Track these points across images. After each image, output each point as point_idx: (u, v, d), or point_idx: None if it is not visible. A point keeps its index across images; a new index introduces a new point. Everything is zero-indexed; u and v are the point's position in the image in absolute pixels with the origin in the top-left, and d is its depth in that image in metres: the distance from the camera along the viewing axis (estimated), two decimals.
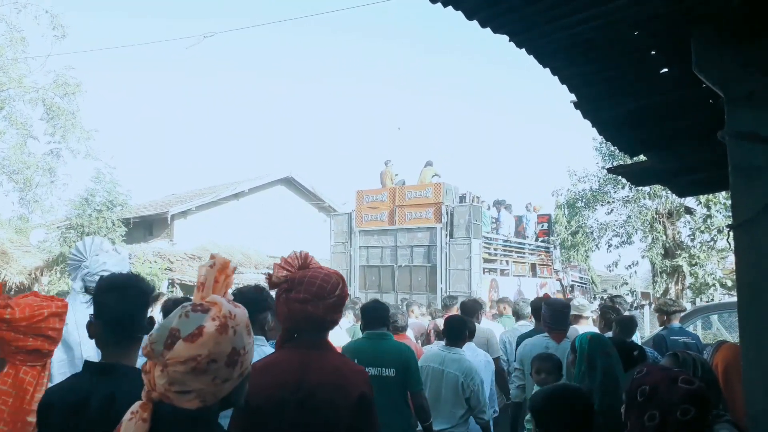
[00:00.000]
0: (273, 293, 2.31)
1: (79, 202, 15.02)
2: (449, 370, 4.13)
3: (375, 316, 3.95)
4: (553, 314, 4.42)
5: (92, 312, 1.86)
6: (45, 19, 13.58)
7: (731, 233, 2.16)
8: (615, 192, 19.85)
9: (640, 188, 17.80)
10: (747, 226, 2.08)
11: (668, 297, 15.96)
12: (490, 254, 12.50)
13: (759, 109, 2.10)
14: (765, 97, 2.11)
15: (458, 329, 4.31)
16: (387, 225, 12.62)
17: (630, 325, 5.46)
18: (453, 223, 11.82)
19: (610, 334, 5.30)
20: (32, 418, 1.92)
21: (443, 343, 4.40)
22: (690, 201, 17.72)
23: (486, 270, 12.24)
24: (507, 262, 13.30)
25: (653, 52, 2.70)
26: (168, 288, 16.16)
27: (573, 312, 6.15)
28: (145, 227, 20.98)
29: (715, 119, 2.91)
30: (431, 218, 12.04)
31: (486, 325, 6.16)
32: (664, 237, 18.89)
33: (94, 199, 15.03)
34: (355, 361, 3.30)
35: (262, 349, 2.73)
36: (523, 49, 2.66)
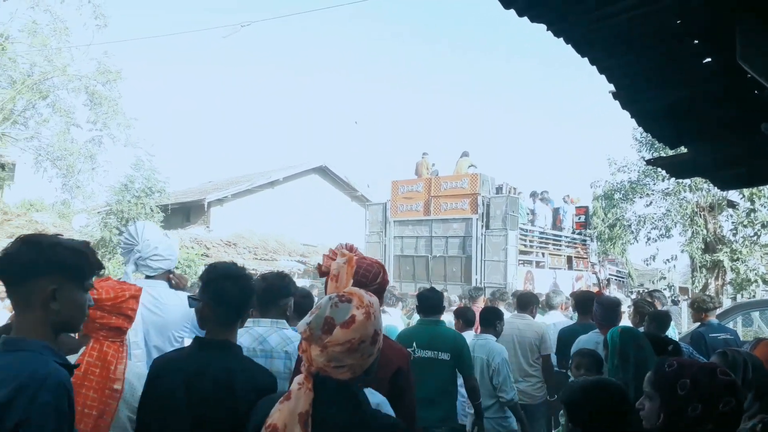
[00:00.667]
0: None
1: (119, 188, 15.41)
2: (477, 355, 4.41)
3: (429, 304, 4.21)
4: (604, 311, 4.50)
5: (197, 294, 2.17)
6: (87, 9, 13.92)
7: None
8: (654, 184, 19.40)
9: (680, 180, 17.39)
10: None
11: (706, 293, 15.61)
12: (525, 246, 12.35)
13: None
14: None
15: (490, 318, 4.64)
16: (422, 215, 12.55)
17: (664, 319, 5.35)
18: (489, 214, 11.71)
19: (641, 329, 5.23)
20: (118, 386, 2.20)
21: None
22: (733, 194, 17.23)
23: (521, 262, 12.09)
24: (543, 254, 13.13)
25: (696, 42, 2.63)
26: None
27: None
28: (182, 214, 21.42)
29: (759, 111, 2.83)
30: (467, 209, 11.94)
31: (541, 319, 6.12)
32: (704, 231, 18.42)
33: (133, 185, 15.40)
34: (413, 344, 3.98)
35: (283, 332, 2.89)
36: (561, 39, 2.62)
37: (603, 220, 22.15)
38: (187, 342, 2.78)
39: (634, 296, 13.08)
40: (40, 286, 1.53)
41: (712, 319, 5.71)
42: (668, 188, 18.83)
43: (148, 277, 3.32)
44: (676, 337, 5.96)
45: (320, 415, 1.51)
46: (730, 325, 9.41)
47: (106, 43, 21.04)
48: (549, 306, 6.35)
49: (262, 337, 2.76)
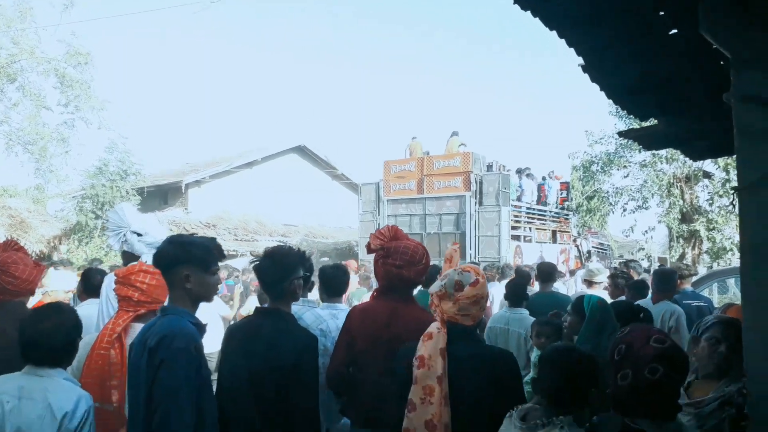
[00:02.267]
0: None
1: (93, 172, 15.18)
2: (513, 329, 4.65)
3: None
4: (660, 281, 5.11)
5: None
6: None
7: (736, 196, 2.13)
8: (631, 156, 19.55)
9: (657, 152, 17.55)
10: (752, 189, 2.05)
11: (683, 262, 15.88)
12: (514, 221, 12.70)
13: (765, 71, 2.05)
14: None
15: (518, 292, 4.90)
16: (415, 194, 12.88)
17: (642, 288, 5.48)
18: (482, 191, 12.12)
19: (623, 298, 5.33)
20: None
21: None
22: (708, 165, 17.45)
23: (511, 237, 12.47)
24: (530, 228, 13.52)
25: (661, 13, 2.63)
26: None
27: (585, 277, 6.20)
28: (160, 196, 21.20)
29: (727, 82, 2.84)
30: (460, 186, 12.31)
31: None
32: (681, 201, 18.66)
33: (107, 168, 15.19)
34: None
35: (315, 311, 3.31)
36: (528, 12, 2.60)
37: (581, 192, 22.34)
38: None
39: (615, 267, 13.35)
40: (178, 272, 2.19)
41: (687, 287, 5.86)
42: (645, 160, 19.00)
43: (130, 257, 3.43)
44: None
45: (452, 349, 2.22)
46: (706, 292, 9.62)
47: (74, 23, 20.61)
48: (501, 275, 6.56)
49: (297, 315, 2.90)
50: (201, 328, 2.18)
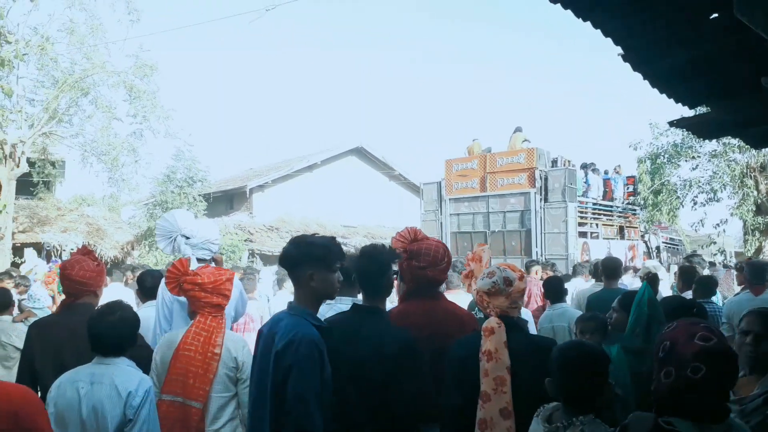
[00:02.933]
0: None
1: (162, 179, 15.87)
2: (558, 324, 4.71)
3: None
4: (752, 271, 5.04)
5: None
6: (121, 5, 14.21)
7: None
8: (701, 146, 18.71)
9: (728, 141, 16.73)
10: None
11: (758, 256, 15.07)
12: (581, 218, 12.40)
13: None
14: None
15: (555, 288, 4.97)
16: (478, 192, 12.69)
17: (708, 285, 5.25)
18: (548, 188, 11.83)
19: (690, 293, 5.15)
20: (217, 350, 2.81)
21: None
22: None
23: (578, 233, 12.16)
24: (596, 225, 13.18)
25: None
26: (249, 258, 16.89)
27: (640, 275, 6.02)
28: (226, 201, 21.92)
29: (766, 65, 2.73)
30: (524, 183, 12.05)
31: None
32: (755, 192, 17.72)
33: (175, 176, 15.84)
34: (476, 309, 4.37)
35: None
36: (558, 5, 2.58)
37: (648, 186, 21.54)
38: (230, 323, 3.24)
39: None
40: (303, 272, 2.30)
41: None
42: (715, 150, 18.16)
43: (199, 260, 3.58)
44: (720, 302, 5.81)
45: (509, 339, 2.39)
46: None
47: (140, 37, 21.48)
48: (575, 273, 6.37)
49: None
50: (323, 330, 2.28)
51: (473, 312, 4.54)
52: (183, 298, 3.10)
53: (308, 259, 2.30)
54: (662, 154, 20.02)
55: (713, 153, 18.40)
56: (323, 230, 20.49)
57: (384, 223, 22.26)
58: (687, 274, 5.67)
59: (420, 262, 2.84)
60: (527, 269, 7.48)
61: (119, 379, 2.41)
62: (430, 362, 2.61)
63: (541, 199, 11.80)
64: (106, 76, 14.53)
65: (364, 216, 21.65)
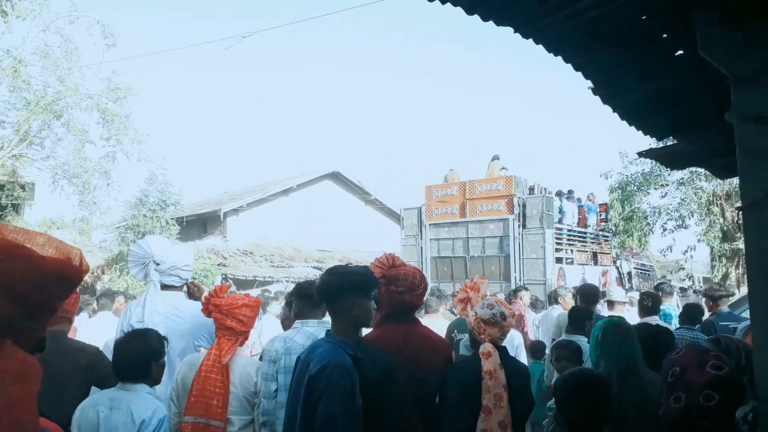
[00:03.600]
0: None
1: (134, 203, 15.67)
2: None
3: None
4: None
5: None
6: (97, 30, 14.17)
7: (740, 215, 2.13)
8: (669, 174, 19.17)
9: (695, 170, 17.17)
10: (754, 208, 2.05)
11: (726, 283, 15.40)
12: (557, 244, 12.72)
13: (763, 90, 2.06)
14: None
15: (579, 319, 4.81)
16: (458, 217, 12.99)
17: (693, 312, 5.34)
18: (526, 214, 12.18)
19: (656, 319, 5.24)
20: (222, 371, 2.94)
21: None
22: None
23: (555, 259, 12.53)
24: (571, 251, 13.51)
25: (665, 36, 2.67)
26: (222, 282, 16.69)
27: (606, 299, 6.14)
28: (199, 225, 21.70)
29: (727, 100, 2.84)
30: (503, 210, 12.37)
31: None
32: (721, 219, 18.18)
33: (147, 199, 15.66)
34: (455, 331, 5.14)
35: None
36: (531, 40, 2.67)
37: (619, 213, 21.94)
38: (204, 350, 3.24)
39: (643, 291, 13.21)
40: (345, 301, 2.35)
41: (723, 308, 5.72)
42: (683, 178, 18.62)
43: (164, 287, 3.52)
44: (674, 325, 5.93)
45: (502, 362, 2.83)
46: (747, 314, 9.31)
47: (115, 61, 21.45)
48: (555, 300, 6.42)
49: (314, 335, 3.03)
50: (357, 360, 2.30)
51: (452, 334, 5.12)
52: (137, 326, 3.14)
53: (349, 288, 2.37)
54: (632, 182, 20.45)
55: (681, 181, 18.87)
56: (299, 254, 20.42)
57: (360, 248, 22.23)
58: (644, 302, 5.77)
59: (398, 287, 2.93)
60: (515, 294, 7.67)
61: (135, 406, 2.50)
62: (408, 385, 2.68)
63: (519, 225, 12.14)
64: (80, 99, 14.41)
65: (340, 240, 21.62)
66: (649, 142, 18.86)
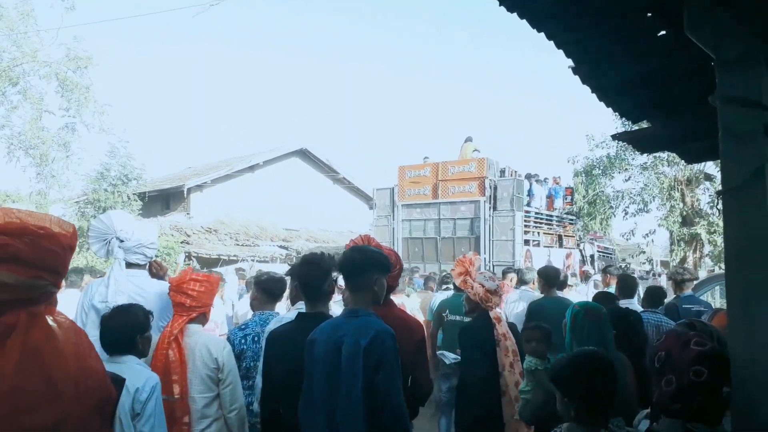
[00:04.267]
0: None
1: (95, 177, 15.17)
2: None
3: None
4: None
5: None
6: None
7: (720, 198, 2.11)
8: (633, 159, 19.53)
9: (658, 155, 17.50)
10: (735, 192, 2.04)
11: (683, 266, 15.81)
12: (525, 226, 12.96)
13: (749, 72, 2.04)
14: (756, 60, 2.05)
15: (656, 297, 5.24)
16: (430, 199, 13.11)
17: (656, 294, 5.42)
18: (497, 196, 12.38)
19: (633, 302, 5.35)
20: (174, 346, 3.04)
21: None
22: (710, 167, 17.38)
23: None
24: (538, 233, 13.77)
25: (648, 15, 2.62)
26: (185, 261, 16.39)
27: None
28: (162, 201, 21.23)
29: (715, 84, 2.83)
30: (475, 192, 12.53)
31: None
32: (681, 204, 18.63)
33: (109, 173, 15.17)
34: (447, 311, 5.40)
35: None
36: (515, 14, 2.59)
37: (583, 196, 22.33)
38: None
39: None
40: (369, 277, 2.47)
41: (687, 291, 5.84)
42: (646, 163, 18.99)
43: (129, 265, 3.38)
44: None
45: None
46: (707, 296, 9.58)
47: (75, 26, 20.67)
48: (522, 282, 6.47)
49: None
50: None
51: (444, 313, 5.43)
52: (99, 306, 3.15)
53: (374, 265, 2.50)
54: (597, 166, 20.77)
55: (644, 165, 19.23)
56: (264, 233, 20.18)
57: (327, 227, 22.08)
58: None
59: None
60: (503, 276, 7.81)
61: (128, 375, 2.46)
62: None
63: (490, 207, 12.35)
64: (37, 66, 13.81)
65: (307, 219, 21.44)
66: (616, 126, 19.27)
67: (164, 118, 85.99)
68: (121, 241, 3.36)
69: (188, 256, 16.73)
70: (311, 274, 2.79)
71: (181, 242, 16.95)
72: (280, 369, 2.72)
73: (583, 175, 21.97)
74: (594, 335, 2.89)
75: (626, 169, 19.87)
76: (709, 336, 2.47)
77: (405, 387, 2.82)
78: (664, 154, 16.93)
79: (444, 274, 8.26)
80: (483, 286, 3.71)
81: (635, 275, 11.22)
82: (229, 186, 21.14)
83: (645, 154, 17.95)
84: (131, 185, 15.71)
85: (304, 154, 23.53)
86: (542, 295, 5.65)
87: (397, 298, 5.57)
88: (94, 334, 2.88)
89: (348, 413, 2.30)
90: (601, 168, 20.83)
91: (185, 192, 20.18)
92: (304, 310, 2.97)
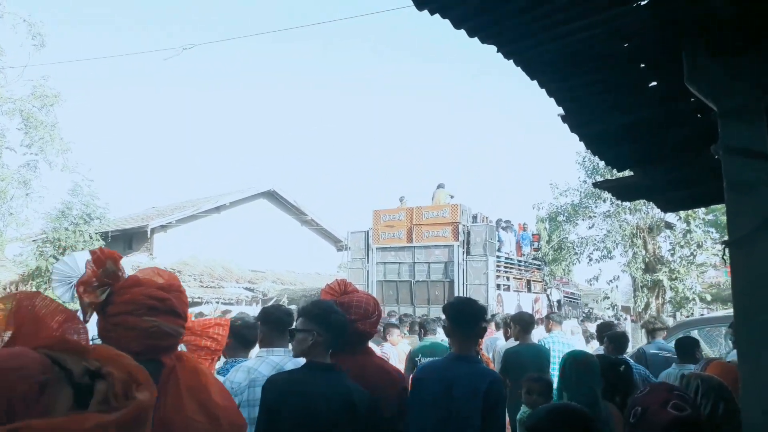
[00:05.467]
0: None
1: (56, 215, 14.70)
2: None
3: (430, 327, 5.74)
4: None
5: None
6: (23, 28, 13.36)
7: (726, 250, 2.10)
8: (596, 207, 19.92)
9: (621, 203, 17.91)
10: (742, 242, 2.03)
11: (650, 314, 16.06)
12: (496, 271, 13.18)
13: (751, 123, 2.06)
14: (757, 111, 2.08)
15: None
16: (405, 242, 13.32)
17: (620, 339, 5.42)
18: (470, 242, 12.64)
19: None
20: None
21: None
22: (670, 216, 17.84)
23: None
24: (508, 278, 14.07)
25: (642, 65, 2.67)
26: None
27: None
28: (124, 241, 20.66)
29: (702, 134, 2.88)
30: (449, 236, 12.82)
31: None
32: (644, 251, 18.98)
33: (70, 212, 14.73)
34: (419, 355, 5.19)
35: (296, 360, 3.05)
36: (511, 61, 2.60)
37: (548, 242, 22.64)
38: None
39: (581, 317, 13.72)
40: (480, 325, 2.86)
41: (659, 339, 5.94)
42: (609, 210, 19.38)
43: None
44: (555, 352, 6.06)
45: None
46: (673, 343, 9.72)
47: (44, 65, 20.33)
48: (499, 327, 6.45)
49: (279, 365, 2.89)
50: None
51: (417, 358, 5.20)
52: None
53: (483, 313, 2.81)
54: (562, 213, 21.13)
55: (607, 213, 19.62)
56: (230, 275, 19.75)
57: (294, 269, 21.78)
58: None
59: (350, 315, 2.78)
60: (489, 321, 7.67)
61: None
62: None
63: (463, 252, 12.61)
64: (1, 102, 13.47)
65: (274, 261, 21.12)
66: (579, 176, 19.74)
67: (131, 158, 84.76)
68: None
69: None
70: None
71: None
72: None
73: (548, 221, 22.35)
74: (583, 384, 2.84)
75: (590, 216, 20.25)
76: (695, 390, 2.42)
77: None
78: (627, 203, 17.34)
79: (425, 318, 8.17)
80: None
81: (600, 320, 11.39)
82: (195, 226, 20.74)
83: (608, 203, 18.40)
84: (94, 224, 15.26)
85: (271, 196, 23.34)
86: (517, 342, 5.59)
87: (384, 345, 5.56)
88: None
89: None
90: (566, 215, 21.19)
91: (149, 232, 19.69)
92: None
